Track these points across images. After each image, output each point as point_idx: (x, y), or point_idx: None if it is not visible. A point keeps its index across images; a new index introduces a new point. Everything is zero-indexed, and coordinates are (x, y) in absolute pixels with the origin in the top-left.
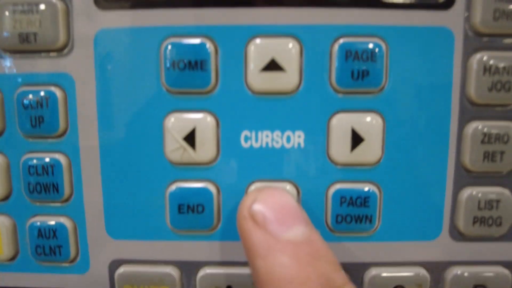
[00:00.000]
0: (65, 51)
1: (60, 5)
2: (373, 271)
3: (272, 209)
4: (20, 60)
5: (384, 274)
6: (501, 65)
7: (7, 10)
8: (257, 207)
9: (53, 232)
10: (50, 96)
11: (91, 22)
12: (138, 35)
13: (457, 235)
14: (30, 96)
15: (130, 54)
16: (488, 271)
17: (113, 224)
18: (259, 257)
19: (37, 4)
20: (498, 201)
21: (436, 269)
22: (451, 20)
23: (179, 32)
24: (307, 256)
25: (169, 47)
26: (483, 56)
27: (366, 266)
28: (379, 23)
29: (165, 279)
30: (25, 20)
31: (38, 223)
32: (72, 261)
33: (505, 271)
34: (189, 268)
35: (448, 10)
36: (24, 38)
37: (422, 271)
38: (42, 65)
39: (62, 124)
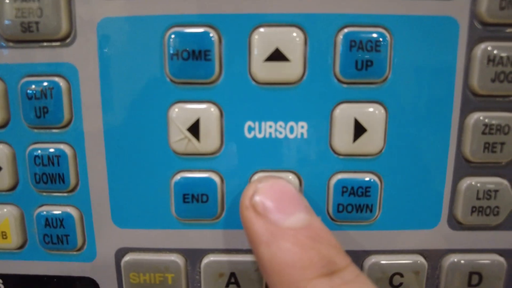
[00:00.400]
0: (68, 40)
1: None
2: (372, 259)
3: (272, 199)
4: (22, 50)
5: (383, 262)
6: (505, 55)
7: None
8: (258, 197)
9: (60, 221)
10: (54, 86)
11: (94, 11)
12: (141, 24)
13: (455, 224)
14: (34, 86)
15: (133, 44)
16: (484, 259)
17: (119, 213)
18: (262, 245)
19: None
20: (496, 191)
21: (434, 256)
22: (456, 9)
23: (183, 21)
24: (309, 240)
25: (173, 36)
26: (488, 46)
27: (366, 253)
28: (383, 12)
29: (170, 267)
30: (26, 8)
31: (45, 213)
32: (79, 249)
33: (500, 259)
34: (193, 256)
35: None
36: (26, 27)
37: (420, 259)
38: (45, 55)
39: (66, 115)
